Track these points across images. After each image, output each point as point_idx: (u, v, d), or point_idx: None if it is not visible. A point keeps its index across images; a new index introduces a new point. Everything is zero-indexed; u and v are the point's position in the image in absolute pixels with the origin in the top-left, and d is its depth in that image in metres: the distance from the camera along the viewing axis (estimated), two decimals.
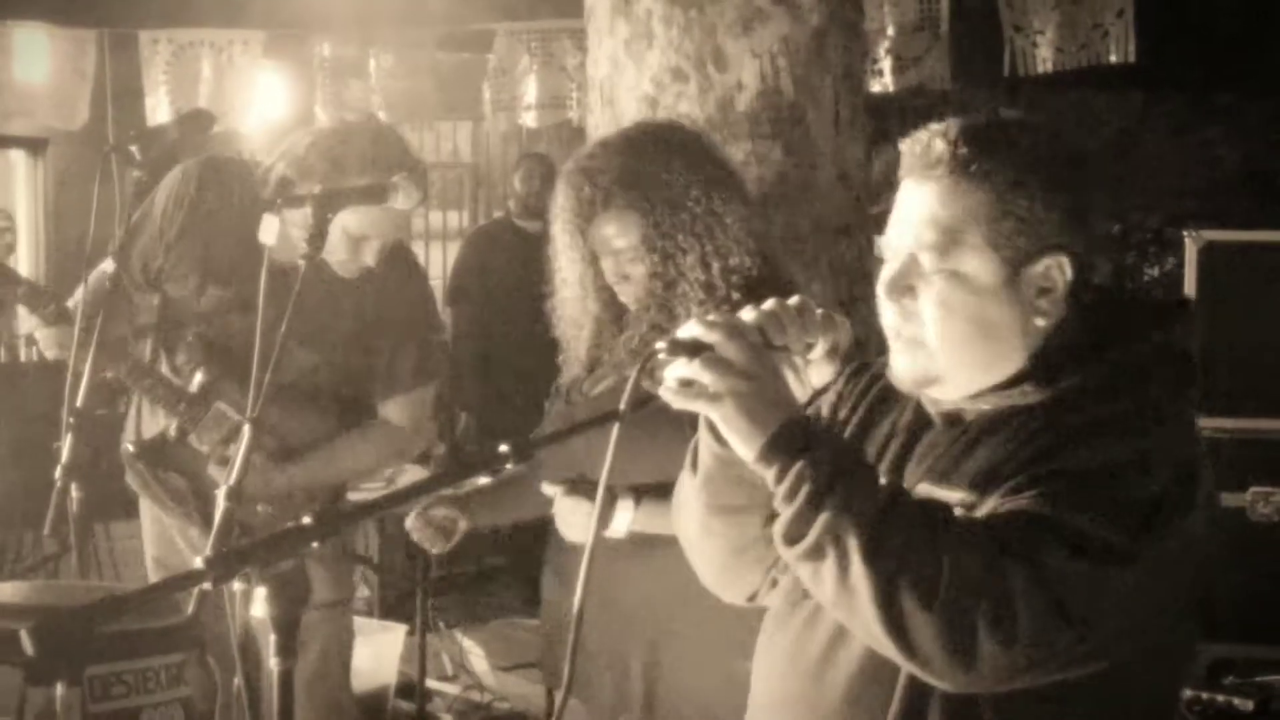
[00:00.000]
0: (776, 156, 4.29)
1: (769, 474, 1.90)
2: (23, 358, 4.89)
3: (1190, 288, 6.02)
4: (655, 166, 3.02)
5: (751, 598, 2.24)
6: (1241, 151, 10.64)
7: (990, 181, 1.96)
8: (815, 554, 1.85)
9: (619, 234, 3.00)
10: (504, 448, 1.82)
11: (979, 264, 1.97)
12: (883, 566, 1.80)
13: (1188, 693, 4.33)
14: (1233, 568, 5.72)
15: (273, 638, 1.70)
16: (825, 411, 2.22)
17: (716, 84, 4.27)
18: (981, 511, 1.89)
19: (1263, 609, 5.63)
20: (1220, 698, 3.60)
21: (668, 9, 4.30)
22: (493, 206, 11.05)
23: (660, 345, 1.92)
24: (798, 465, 1.87)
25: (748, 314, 1.97)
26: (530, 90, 7.03)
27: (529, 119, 7.12)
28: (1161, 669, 2.01)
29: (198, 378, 3.65)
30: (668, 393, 1.91)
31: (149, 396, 3.70)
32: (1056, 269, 1.98)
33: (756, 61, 4.27)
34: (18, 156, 9.90)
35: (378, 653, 5.69)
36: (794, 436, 1.89)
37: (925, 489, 1.99)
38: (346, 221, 3.38)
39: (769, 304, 1.98)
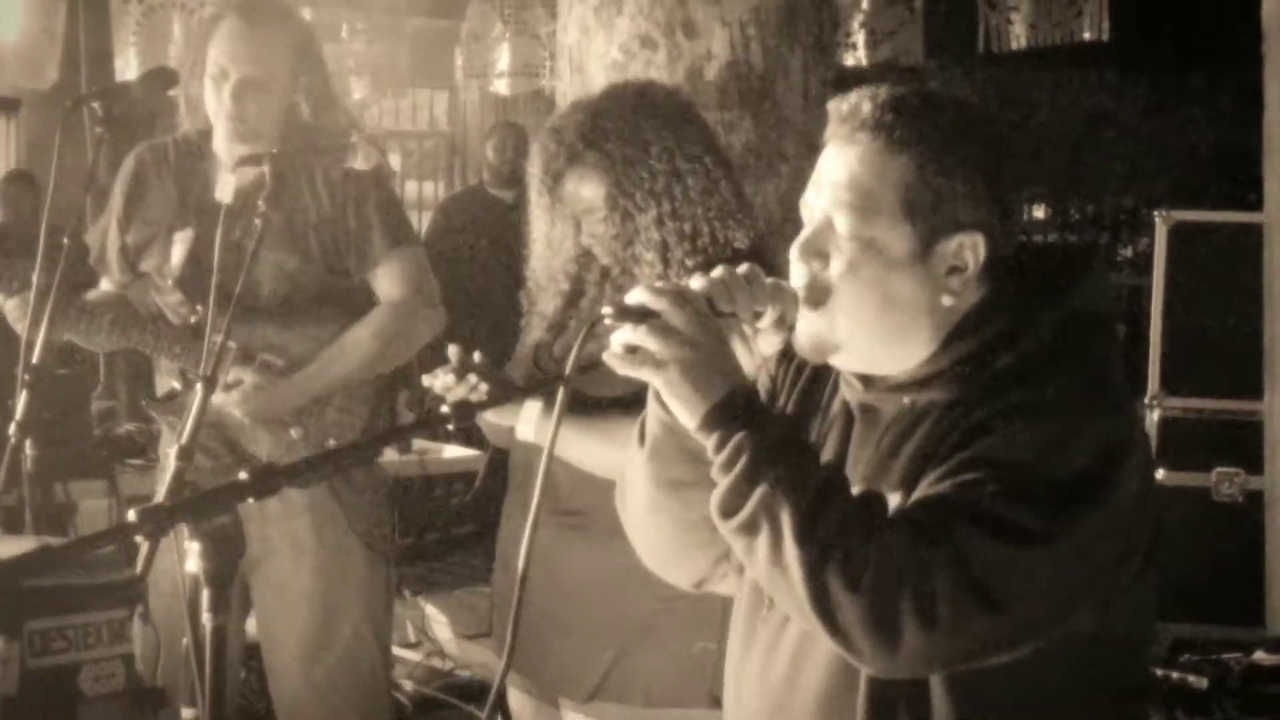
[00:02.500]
0: (745, 127, 4.28)
1: (709, 442, 1.88)
2: None
3: (1159, 267, 6.03)
4: (621, 124, 2.98)
5: (699, 584, 2.22)
6: (1215, 132, 10.69)
7: (912, 151, 1.93)
8: (749, 528, 1.84)
9: (584, 191, 2.97)
10: (445, 409, 1.81)
11: (892, 234, 1.94)
12: (814, 546, 1.80)
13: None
14: (1196, 548, 5.75)
15: (206, 593, 1.69)
16: (763, 395, 2.18)
17: (686, 52, 4.25)
18: (911, 501, 1.89)
19: (1226, 589, 5.66)
20: (1175, 675, 3.61)
21: None
22: (470, 177, 11.03)
23: (606, 310, 1.90)
24: (738, 436, 1.85)
25: (696, 281, 1.95)
26: (503, 57, 7.01)
27: (501, 86, 7.10)
28: (1116, 648, 1.99)
29: (190, 319, 3.61)
30: (613, 359, 1.90)
31: (146, 348, 3.67)
32: (970, 248, 1.95)
33: (726, 31, 4.25)
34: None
35: None
36: (737, 406, 1.87)
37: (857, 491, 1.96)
38: None
39: (717, 271, 1.96)
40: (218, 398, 3.51)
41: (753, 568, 1.89)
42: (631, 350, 1.89)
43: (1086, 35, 6.12)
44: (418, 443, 5.80)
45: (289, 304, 3.63)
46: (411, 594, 6.68)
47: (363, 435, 3.63)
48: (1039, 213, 13.06)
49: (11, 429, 3.15)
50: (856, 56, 6.34)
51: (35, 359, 3.21)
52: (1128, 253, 11.41)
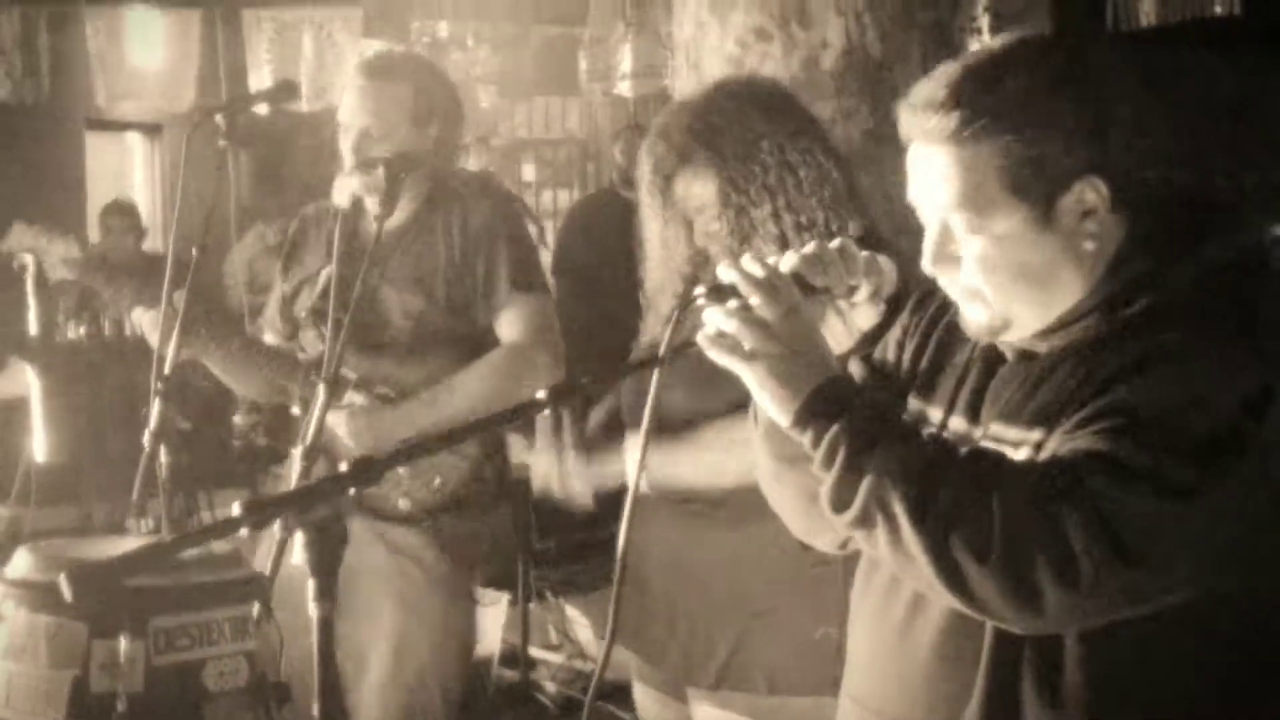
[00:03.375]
0: (864, 114, 4.25)
1: (805, 439, 1.87)
2: (127, 332, 5.02)
3: None
4: (728, 120, 2.97)
5: (843, 545, 2.19)
6: None
7: (992, 136, 1.87)
8: (863, 520, 1.83)
9: (696, 190, 2.97)
10: (541, 393, 1.82)
11: (1008, 216, 1.89)
12: (932, 526, 1.77)
13: None
14: None
15: (311, 582, 1.72)
16: (892, 349, 2.16)
17: (801, 42, 4.23)
18: (1046, 450, 1.84)
19: None
20: None
21: None
22: (603, 182, 11.06)
23: (699, 290, 1.90)
24: (832, 430, 1.84)
25: (788, 258, 1.94)
26: (626, 60, 7.02)
27: (624, 88, 7.11)
28: (1263, 610, 1.92)
29: (318, 347, 3.69)
30: (705, 340, 1.89)
31: (273, 374, 3.74)
32: (1090, 190, 1.88)
33: (841, 19, 4.22)
34: (134, 140, 10.08)
35: (480, 622, 5.72)
36: (827, 400, 1.86)
37: (997, 429, 1.93)
38: None
39: (809, 246, 1.96)
40: (332, 417, 3.58)
41: (877, 555, 1.88)
42: (724, 336, 1.88)
43: (1218, 9, 5.99)
44: None
45: (413, 343, 3.67)
46: (553, 596, 6.71)
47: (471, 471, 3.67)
48: None
49: (145, 437, 3.23)
50: (982, 41, 6.25)
51: (166, 370, 3.29)
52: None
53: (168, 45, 7.61)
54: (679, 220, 3.01)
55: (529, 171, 10.48)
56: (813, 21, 4.21)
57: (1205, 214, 1.96)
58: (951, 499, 1.78)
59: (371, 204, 3.50)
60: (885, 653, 2.05)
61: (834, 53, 4.20)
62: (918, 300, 2.13)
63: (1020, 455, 1.87)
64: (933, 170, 1.92)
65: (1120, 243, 1.92)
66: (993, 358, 2.01)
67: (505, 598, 5.92)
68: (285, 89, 3.62)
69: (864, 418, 1.85)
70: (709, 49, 4.37)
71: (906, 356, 2.13)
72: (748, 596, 2.92)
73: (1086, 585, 1.74)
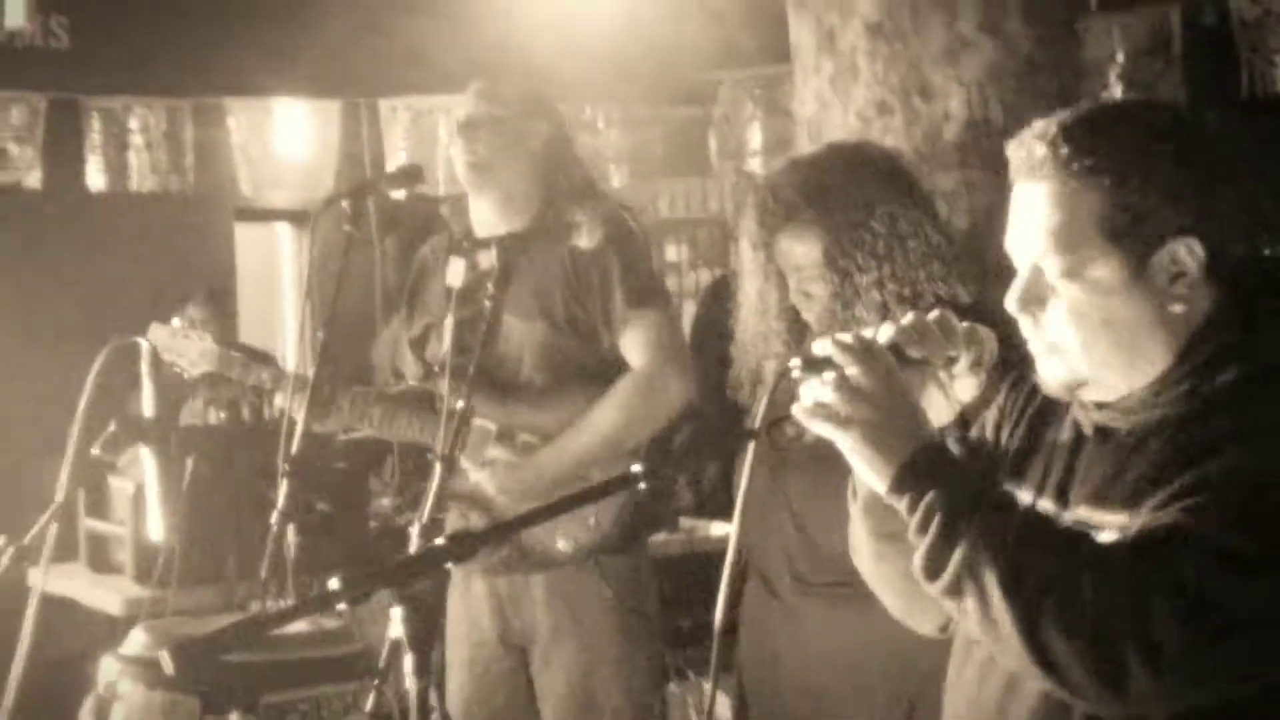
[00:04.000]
0: (988, 185, 4.22)
1: (901, 505, 1.87)
2: (266, 415, 5.16)
3: None
4: (840, 183, 2.97)
5: (944, 628, 2.18)
6: None
7: (1097, 177, 1.88)
8: (955, 589, 1.83)
9: (800, 249, 2.97)
10: (637, 468, 1.84)
11: (1102, 264, 1.89)
12: (1023, 599, 1.77)
13: None
14: None
15: (409, 657, 1.74)
16: (989, 430, 2.16)
17: (923, 115, 4.23)
18: (1133, 529, 1.83)
19: None
20: None
21: (872, 43, 4.28)
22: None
23: (794, 362, 1.91)
24: (928, 496, 1.84)
25: (885, 330, 1.95)
26: (755, 137, 7.07)
27: (756, 165, 7.15)
28: None
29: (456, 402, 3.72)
30: (801, 412, 1.90)
31: (414, 435, 3.78)
32: (1185, 252, 1.88)
33: (964, 90, 4.21)
34: (283, 229, 10.31)
35: None
36: (924, 466, 1.86)
37: (1085, 512, 1.92)
38: None
39: (907, 318, 1.96)
40: (476, 475, 3.62)
41: (966, 626, 1.87)
42: (820, 406, 1.89)
43: None
44: (685, 520, 5.82)
45: (547, 380, 3.68)
46: (695, 675, 6.67)
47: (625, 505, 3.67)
48: None
49: (274, 517, 3.29)
50: None
51: (295, 450, 3.35)
52: None
53: (310, 135, 7.79)
54: (777, 276, 3.01)
55: (672, 252, 10.49)
56: (934, 94, 4.20)
57: None
58: (1044, 574, 1.77)
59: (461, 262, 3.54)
60: None
61: (956, 124, 4.19)
62: (1013, 383, 2.13)
63: (1107, 537, 1.85)
64: (1032, 209, 1.93)
65: (1208, 313, 1.91)
66: (1077, 442, 2.00)
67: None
68: (408, 174, 3.69)
69: (961, 484, 1.85)
70: (832, 125, 4.37)
71: (1003, 436, 2.13)
72: (915, 665, 2.83)
73: (1171, 668, 1.73)
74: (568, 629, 3.68)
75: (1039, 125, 1.95)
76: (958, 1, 4.22)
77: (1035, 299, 1.94)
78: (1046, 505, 1.98)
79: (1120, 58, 6.19)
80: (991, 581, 1.78)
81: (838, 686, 2.96)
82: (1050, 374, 1.97)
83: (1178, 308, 1.90)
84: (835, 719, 2.99)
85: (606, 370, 3.68)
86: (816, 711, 2.98)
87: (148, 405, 3.15)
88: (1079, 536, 1.85)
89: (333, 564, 5.07)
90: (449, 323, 3.66)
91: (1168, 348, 1.91)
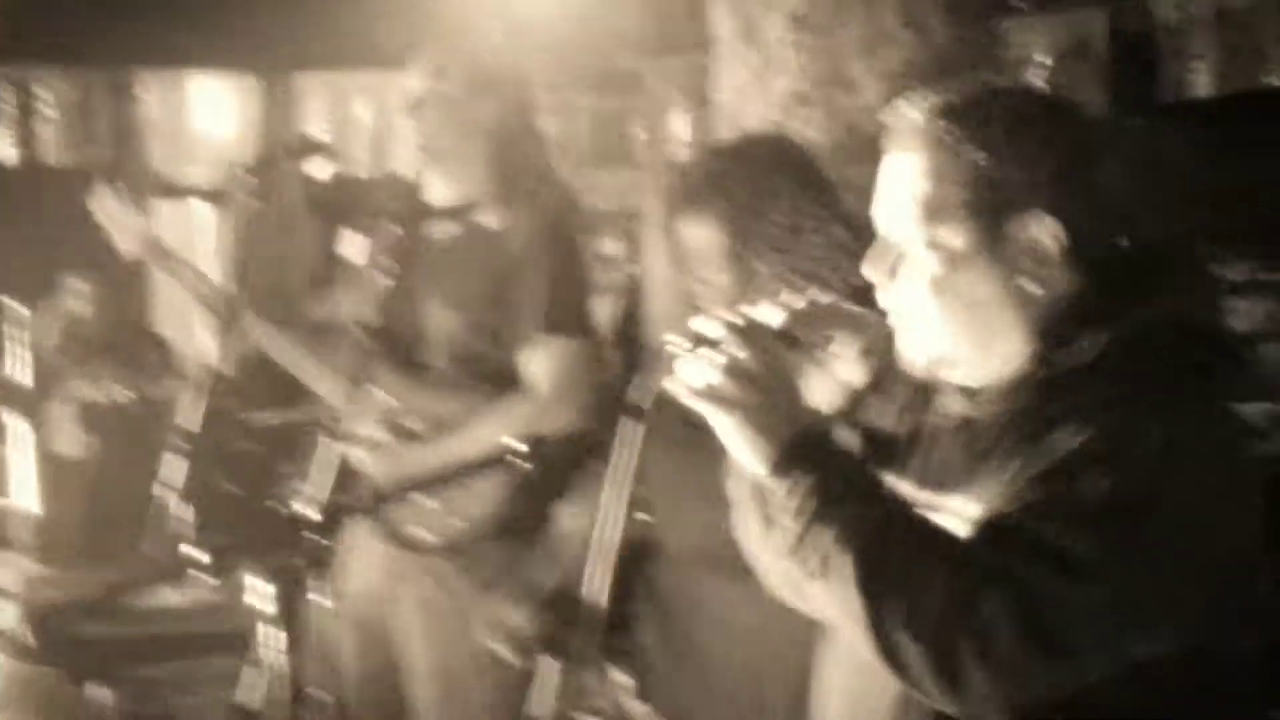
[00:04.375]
0: None
1: (779, 488, 1.86)
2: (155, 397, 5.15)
3: None
4: (745, 173, 2.96)
5: None
6: None
7: (965, 149, 1.90)
8: (817, 575, 1.83)
9: (701, 236, 2.95)
10: (520, 445, 1.81)
11: (961, 235, 1.90)
12: (875, 593, 1.78)
13: None
14: None
15: (278, 633, 1.70)
16: (870, 416, 2.15)
17: (842, 108, 4.22)
18: (980, 523, 1.84)
19: None
20: None
21: (793, 34, 4.26)
22: None
23: (673, 338, 1.88)
24: (804, 483, 1.84)
25: (774, 313, 1.93)
26: (682, 127, 7.05)
27: (682, 155, 7.13)
28: (1205, 667, 1.88)
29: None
30: (681, 391, 1.88)
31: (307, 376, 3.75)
32: (1042, 229, 1.89)
33: (882, 84, 4.21)
34: (201, 207, 10.22)
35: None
36: (802, 452, 1.86)
37: (938, 499, 1.94)
38: None
39: (796, 300, 1.95)
40: (359, 452, 3.56)
41: (824, 609, 1.89)
42: (706, 386, 1.87)
43: (1275, 81, 5.95)
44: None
45: (454, 373, 3.64)
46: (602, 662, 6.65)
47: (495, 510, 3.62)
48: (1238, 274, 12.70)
49: (154, 489, 3.23)
50: None
51: (182, 421, 3.29)
52: None
53: (227, 111, 7.72)
54: (681, 259, 2.99)
55: (609, 246, 10.35)
56: (853, 86, 4.19)
57: (1153, 270, 1.95)
58: (896, 569, 1.78)
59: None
60: (855, 702, 2.05)
61: (875, 118, 4.17)
62: (889, 376, 2.12)
63: (956, 525, 1.86)
64: (900, 177, 1.95)
65: (1064, 297, 1.91)
66: (945, 428, 2.01)
67: (556, 664, 5.84)
68: (311, 146, 3.64)
69: (835, 472, 1.85)
70: (750, 115, 4.35)
71: (878, 423, 2.14)
72: (804, 658, 2.85)
73: (1006, 669, 1.74)
74: (437, 609, 3.62)
75: (917, 96, 1.97)
76: None
77: (894, 267, 1.95)
78: (909, 493, 1.99)
79: (1043, 59, 6.22)
80: (849, 573, 1.79)
81: (737, 662, 2.96)
82: (910, 350, 1.97)
83: (1032, 286, 1.91)
84: (735, 695, 2.98)
85: (510, 379, 3.60)
86: (716, 687, 2.96)
87: (24, 372, 3.09)
88: (936, 533, 1.85)
89: (235, 545, 5.04)
90: (370, 291, 3.59)
91: (1022, 328, 1.92)
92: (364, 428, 3.61)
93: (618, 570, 3.43)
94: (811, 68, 4.24)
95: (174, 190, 8.87)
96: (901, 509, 1.90)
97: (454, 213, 3.46)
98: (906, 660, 1.77)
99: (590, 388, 3.64)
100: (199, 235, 10.26)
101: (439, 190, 3.72)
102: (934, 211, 1.91)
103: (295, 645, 1.71)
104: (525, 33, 7.01)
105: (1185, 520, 1.78)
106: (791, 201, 2.93)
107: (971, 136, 1.90)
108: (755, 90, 4.34)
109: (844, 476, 1.85)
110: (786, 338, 1.93)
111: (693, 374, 1.89)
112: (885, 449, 2.10)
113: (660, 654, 3.20)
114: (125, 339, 5.86)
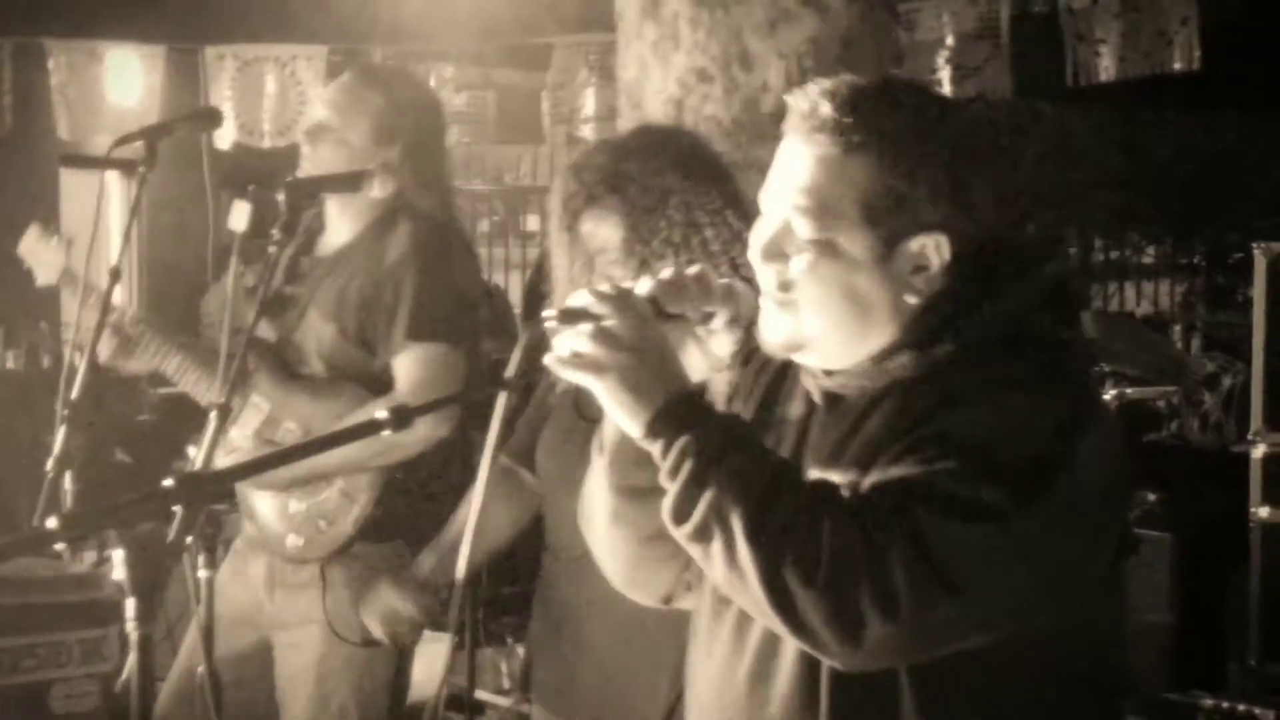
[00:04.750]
0: None
1: (655, 449, 1.85)
2: (45, 365, 5.03)
3: (1259, 302, 5.88)
4: (640, 169, 2.97)
5: (666, 599, 2.17)
6: None
7: (870, 153, 1.88)
8: (702, 533, 1.81)
9: (601, 233, 2.96)
10: (382, 413, 1.80)
11: (853, 238, 1.90)
12: (766, 545, 1.76)
13: (1208, 701, 4.18)
14: None
15: (130, 602, 1.68)
16: (721, 404, 2.14)
17: (742, 85, 4.23)
18: (866, 485, 1.84)
19: None
20: (1241, 706, 3.47)
21: (694, 10, 4.27)
22: None
23: (549, 313, 1.88)
24: (681, 440, 1.82)
25: (643, 283, 1.93)
26: (589, 103, 7.04)
27: (586, 131, 7.12)
28: (1084, 644, 1.93)
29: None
30: (556, 363, 1.87)
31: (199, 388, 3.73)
32: (933, 248, 1.91)
33: (783, 62, 4.22)
34: (111, 177, 10.08)
35: (425, 663, 5.67)
36: (679, 411, 1.84)
37: (817, 475, 1.92)
38: None
39: (665, 272, 1.94)
40: (222, 459, 3.53)
41: (710, 573, 1.86)
42: (576, 355, 1.86)
43: (1177, 66, 5.99)
44: None
45: (330, 379, 3.64)
46: (512, 641, 6.65)
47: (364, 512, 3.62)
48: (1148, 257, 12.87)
49: (49, 464, 3.20)
50: (943, 92, 6.27)
51: (75, 395, 3.26)
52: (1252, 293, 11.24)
53: (135, 81, 7.62)
54: (584, 257, 3.00)
55: (533, 222, 10.19)
56: (754, 64, 4.20)
57: (1021, 259, 1.98)
58: (787, 520, 1.77)
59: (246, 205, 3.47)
60: (734, 700, 2.01)
61: (774, 96, 4.19)
62: (745, 359, 2.12)
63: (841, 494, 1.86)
64: (798, 164, 1.93)
65: (938, 291, 1.93)
66: (808, 412, 2.02)
67: (448, 639, 5.84)
68: (204, 116, 3.61)
69: (715, 430, 1.84)
70: (651, 91, 4.36)
71: (736, 409, 2.13)
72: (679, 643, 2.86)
73: (906, 614, 1.73)
74: (313, 615, 3.60)
75: (828, 84, 1.94)
76: None
77: (780, 253, 1.94)
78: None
79: (950, 41, 6.26)
80: (737, 526, 1.77)
81: (615, 646, 2.96)
82: (773, 329, 1.96)
83: (911, 298, 1.92)
84: (615, 678, 2.99)
85: (385, 387, 3.58)
86: (597, 670, 2.97)
87: None
88: (825, 486, 1.85)
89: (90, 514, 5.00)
90: (229, 279, 3.58)
91: (895, 329, 1.93)
92: (239, 436, 3.63)
93: (510, 551, 3.47)
94: (711, 44, 4.24)
95: (83, 161, 8.76)
96: (784, 463, 1.90)
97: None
98: (803, 612, 1.76)
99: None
100: (109, 206, 10.16)
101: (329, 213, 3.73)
102: (828, 208, 1.90)
103: (146, 615, 1.69)
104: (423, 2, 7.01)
105: (1086, 487, 1.81)
106: (684, 198, 2.94)
107: (876, 141, 1.89)
108: (656, 66, 4.34)
109: (723, 435, 1.84)
110: (658, 309, 1.92)
111: (564, 344, 1.89)
112: (758, 426, 2.09)
113: (549, 643, 3.21)
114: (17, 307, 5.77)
